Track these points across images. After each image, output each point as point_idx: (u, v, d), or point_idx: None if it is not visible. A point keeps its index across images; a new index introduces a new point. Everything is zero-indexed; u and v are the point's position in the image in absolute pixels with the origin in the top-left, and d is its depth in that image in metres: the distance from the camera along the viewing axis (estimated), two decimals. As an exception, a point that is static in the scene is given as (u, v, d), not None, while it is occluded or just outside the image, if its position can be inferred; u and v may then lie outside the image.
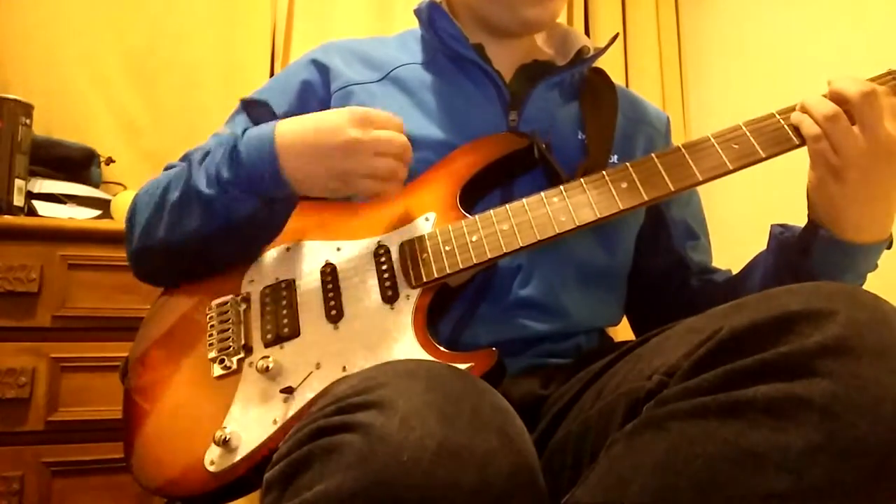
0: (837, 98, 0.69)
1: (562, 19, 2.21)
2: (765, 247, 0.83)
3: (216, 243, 0.78)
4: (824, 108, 0.69)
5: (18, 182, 1.42)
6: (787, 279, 0.80)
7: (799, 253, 0.78)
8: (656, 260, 0.92)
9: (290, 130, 0.74)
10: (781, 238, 0.83)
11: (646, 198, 0.71)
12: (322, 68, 0.90)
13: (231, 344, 0.75)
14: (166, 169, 0.89)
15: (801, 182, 0.75)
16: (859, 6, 1.82)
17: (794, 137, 0.71)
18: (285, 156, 0.72)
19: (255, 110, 0.90)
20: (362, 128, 0.71)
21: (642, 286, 0.94)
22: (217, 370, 0.74)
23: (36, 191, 1.49)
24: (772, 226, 0.89)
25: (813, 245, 0.75)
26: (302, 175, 0.73)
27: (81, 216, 1.49)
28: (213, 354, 0.75)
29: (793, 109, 0.72)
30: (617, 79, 2.19)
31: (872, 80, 0.73)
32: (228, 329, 0.76)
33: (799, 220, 0.79)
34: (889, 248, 0.77)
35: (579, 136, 0.86)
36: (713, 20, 2.33)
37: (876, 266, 0.77)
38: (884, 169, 0.69)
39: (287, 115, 0.87)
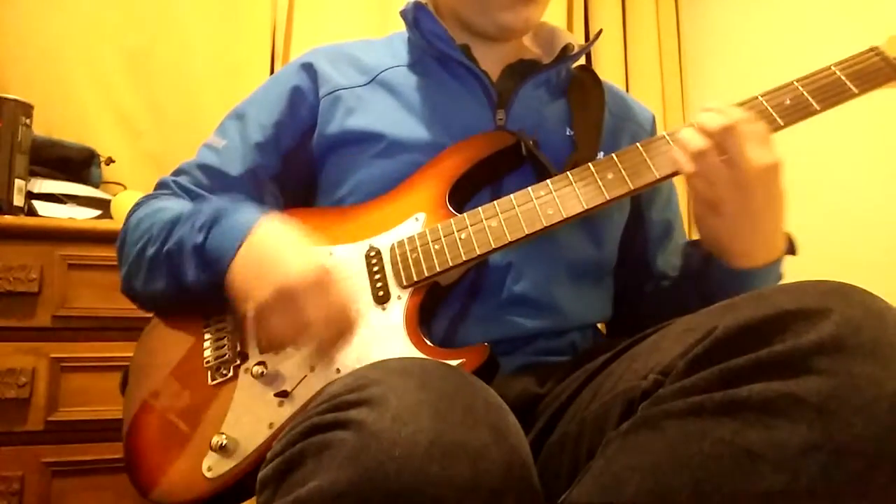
0: (704, 132, 0.69)
1: (561, 19, 2.23)
2: None
3: (180, 302, 0.79)
4: (694, 144, 0.69)
5: (18, 182, 1.42)
6: (691, 300, 0.80)
7: (700, 276, 0.79)
8: (625, 259, 0.92)
9: (253, 246, 0.71)
10: (687, 260, 0.85)
11: (632, 186, 0.72)
12: (311, 73, 0.90)
13: (227, 352, 0.76)
14: (158, 188, 0.90)
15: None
16: (859, 5, 1.82)
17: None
18: (240, 261, 0.71)
19: (246, 119, 0.90)
20: (312, 294, 0.66)
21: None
22: (213, 378, 0.75)
23: (36, 191, 1.49)
24: (684, 244, 0.91)
25: (708, 272, 0.77)
26: (237, 286, 0.71)
27: (81, 216, 1.50)
28: (209, 363, 0.76)
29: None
30: (617, 78, 2.22)
31: (742, 103, 0.73)
32: (224, 337, 0.77)
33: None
34: (794, 254, 0.77)
35: (567, 133, 0.87)
36: (713, 19, 2.33)
37: (780, 277, 0.76)
38: (759, 197, 0.68)
39: (278, 124, 0.88)
